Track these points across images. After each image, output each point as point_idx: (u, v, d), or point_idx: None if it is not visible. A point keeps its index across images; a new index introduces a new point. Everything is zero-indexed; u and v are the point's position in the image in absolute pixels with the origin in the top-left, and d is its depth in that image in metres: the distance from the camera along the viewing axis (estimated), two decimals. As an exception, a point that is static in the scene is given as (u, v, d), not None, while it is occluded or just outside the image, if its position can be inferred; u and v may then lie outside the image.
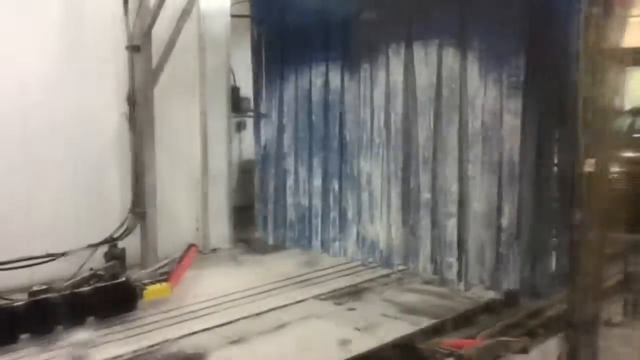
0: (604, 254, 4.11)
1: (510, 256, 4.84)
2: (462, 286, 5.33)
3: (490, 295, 5.38)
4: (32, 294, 5.05)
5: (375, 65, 5.38)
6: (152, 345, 4.81)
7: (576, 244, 4.14)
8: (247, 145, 8.66)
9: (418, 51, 5.09)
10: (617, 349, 4.99)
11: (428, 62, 5.04)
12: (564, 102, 4.44)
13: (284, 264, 6.87)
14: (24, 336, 4.84)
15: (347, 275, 6.45)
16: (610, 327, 5.45)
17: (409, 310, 5.46)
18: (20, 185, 6.05)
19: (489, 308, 5.37)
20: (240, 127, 9.34)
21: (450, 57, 4.91)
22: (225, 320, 5.27)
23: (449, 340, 4.62)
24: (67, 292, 5.14)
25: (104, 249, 6.17)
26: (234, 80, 8.04)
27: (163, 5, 6.29)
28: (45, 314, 4.93)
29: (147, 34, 6.29)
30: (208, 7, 7.01)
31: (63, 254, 5.87)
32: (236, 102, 8.05)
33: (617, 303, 5.70)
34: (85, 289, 5.23)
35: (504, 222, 4.80)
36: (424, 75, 5.07)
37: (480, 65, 4.75)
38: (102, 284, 5.35)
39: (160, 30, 6.45)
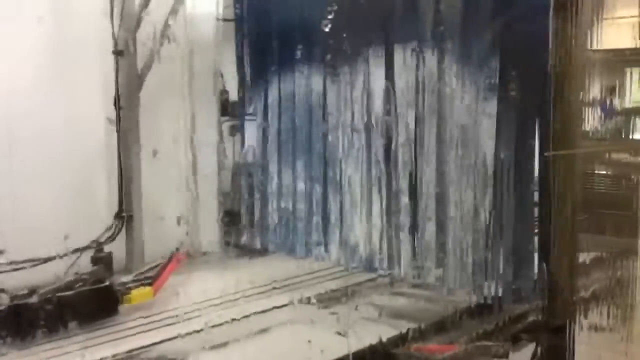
0: (576, 257, 4.04)
1: (491, 260, 4.80)
2: (444, 290, 5.30)
3: (475, 299, 5.34)
4: (13, 298, 5.06)
5: (356, 68, 5.38)
6: (132, 350, 4.81)
7: (548, 246, 4.10)
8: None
9: (397, 54, 5.08)
10: (602, 353, 4.92)
11: (407, 65, 5.03)
12: (542, 104, 4.41)
13: (272, 267, 6.83)
14: (4, 340, 4.85)
15: (334, 279, 6.40)
16: (598, 332, 5.39)
17: (393, 314, 5.42)
18: (6, 189, 6.06)
19: (472, 312, 5.32)
20: (234, 130, 9.33)
21: (429, 60, 4.90)
22: (207, 325, 5.25)
23: (427, 345, 4.59)
24: (48, 296, 5.14)
25: (91, 253, 6.18)
26: (224, 84, 8.05)
27: (148, 10, 6.31)
28: (26, 318, 4.94)
29: (131, 38, 6.30)
30: (196, 11, 7.01)
31: (48, 259, 5.88)
32: (226, 106, 8.04)
33: (604, 307, 5.63)
34: (67, 293, 5.23)
35: (484, 225, 4.77)
36: (403, 78, 5.06)
37: (458, 68, 4.73)
38: (84, 289, 5.35)
39: (147, 35, 6.47)
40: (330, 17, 5.25)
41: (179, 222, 7.34)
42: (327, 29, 5.33)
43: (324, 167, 5.78)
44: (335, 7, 5.22)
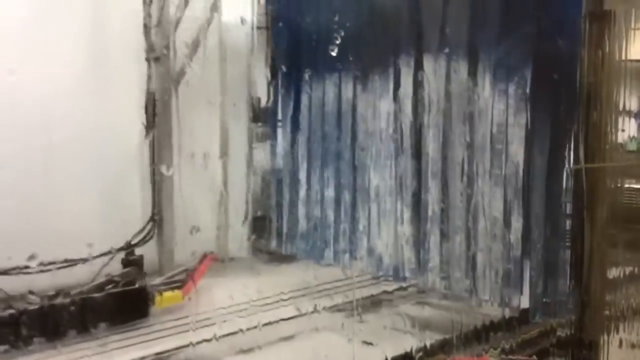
0: (608, 271, 3.97)
1: (521, 273, 4.74)
2: (473, 302, 5.24)
3: (505, 311, 5.28)
4: (46, 298, 5.18)
5: (386, 76, 5.36)
6: (161, 353, 4.87)
7: (579, 260, 4.03)
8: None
9: (428, 62, 5.06)
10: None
11: (437, 74, 5.00)
12: (573, 115, 4.35)
13: (299, 274, 6.87)
14: (37, 339, 4.96)
15: (363, 287, 6.40)
16: (630, 348, 5.27)
17: (421, 325, 5.40)
18: (44, 192, 6.21)
19: (501, 325, 5.26)
20: (264, 137, 9.39)
21: (460, 68, 4.86)
22: (236, 329, 5.28)
23: (455, 357, 4.55)
24: (80, 297, 5.25)
25: (122, 255, 6.27)
26: (255, 91, 8.12)
27: (184, 17, 6.42)
28: (57, 318, 5.04)
29: (167, 45, 6.42)
30: (230, 19, 7.09)
31: (81, 260, 5.99)
32: (257, 112, 8.10)
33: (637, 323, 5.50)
34: (98, 294, 5.33)
35: (514, 237, 4.70)
36: (434, 87, 5.04)
37: (489, 77, 4.70)
38: (115, 290, 5.45)
39: (182, 41, 6.58)
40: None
41: (208, 227, 7.42)
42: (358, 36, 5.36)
43: (352, 175, 5.77)
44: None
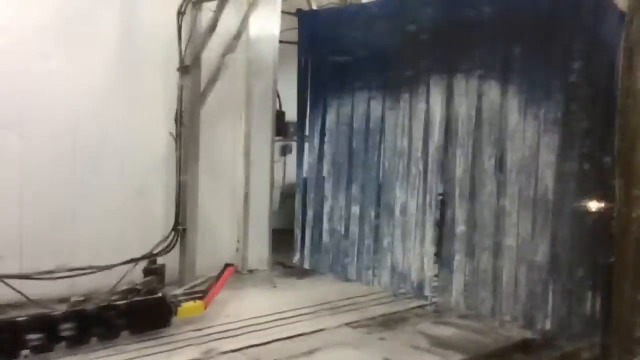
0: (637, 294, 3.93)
1: (545, 295, 4.72)
2: (496, 322, 5.23)
3: (528, 333, 5.26)
4: (70, 304, 5.19)
5: (416, 95, 5.39)
6: (184, 363, 4.88)
7: (607, 286, 4.01)
8: (291, 169, 8.73)
9: (459, 83, 5.09)
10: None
11: (468, 95, 5.02)
12: (605, 140, 4.36)
13: (320, 289, 6.89)
14: (59, 345, 4.96)
15: (382, 304, 6.42)
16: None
17: (441, 344, 5.38)
18: (68, 198, 6.30)
19: (523, 347, 5.24)
20: (285, 150, 9.47)
21: (491, 90, 4.89)
22: (255, 342, 5.30)
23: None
24: (103, 304, 5.27)
25: (144, 264, 6.30)
26: (280, 105, 8.17)
27: (214, 30, 6.50)
28: (82, 324, 5.05)
29: (197, 57, 6.49)
30: (257, 33, 7.17)
31: (104, 267, 6.02)
32: (281, 127, 8.15)
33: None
34: (121, 302, 5.34)
35: (539, 259, 4.70)
36: (464, 108, 5.05)
37: (520, 100, 4.71)
38: (138, 299, 5.46)
39: (210, 54, 6.66)
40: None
41: (229, 238, 7.44)
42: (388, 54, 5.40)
43: (377, 192, 5.78)
44: None
